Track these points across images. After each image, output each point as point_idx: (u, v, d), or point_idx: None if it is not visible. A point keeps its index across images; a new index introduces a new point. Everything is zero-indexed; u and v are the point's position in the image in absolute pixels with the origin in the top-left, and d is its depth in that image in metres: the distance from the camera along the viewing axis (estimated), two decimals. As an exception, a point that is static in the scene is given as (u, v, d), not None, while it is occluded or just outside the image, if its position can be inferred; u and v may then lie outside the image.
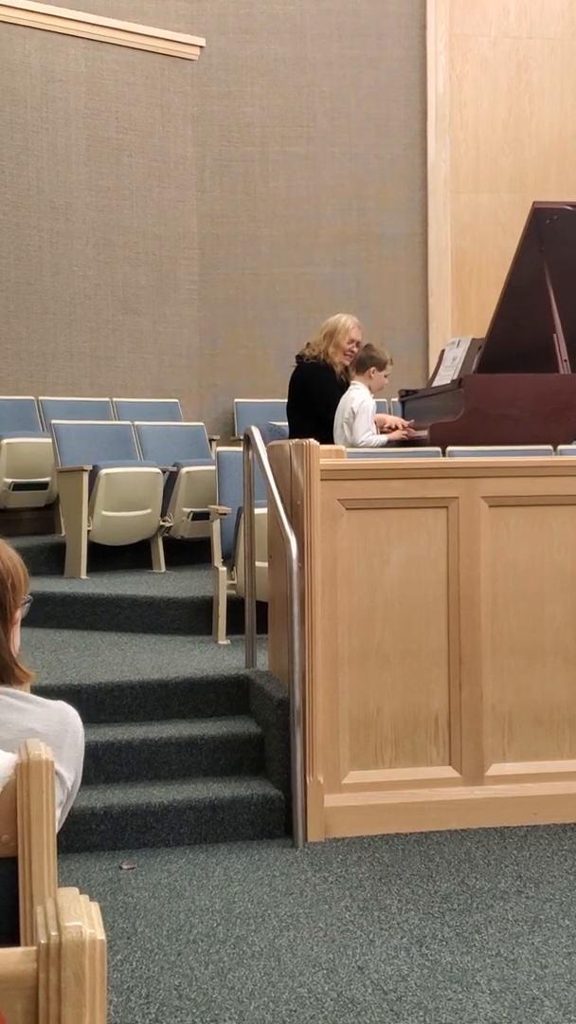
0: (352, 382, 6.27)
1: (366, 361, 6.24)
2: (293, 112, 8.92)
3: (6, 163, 8.06)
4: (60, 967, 1.09)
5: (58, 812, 1.91)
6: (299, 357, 6.67)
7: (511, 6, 9.12)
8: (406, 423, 6.46)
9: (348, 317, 6.58)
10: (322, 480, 4.14)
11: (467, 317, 8.85)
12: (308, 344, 6.66)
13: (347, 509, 4.19)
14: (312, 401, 6.42)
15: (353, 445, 5.96)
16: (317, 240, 9.00)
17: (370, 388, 6.20)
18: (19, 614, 2.03)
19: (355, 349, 6.47)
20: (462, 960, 3.13)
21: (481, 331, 6.64)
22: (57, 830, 1.91)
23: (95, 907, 1.18)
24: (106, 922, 3.45)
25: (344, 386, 6.34)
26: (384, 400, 7.85)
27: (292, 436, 6.24)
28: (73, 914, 1.14)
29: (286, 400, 6.75)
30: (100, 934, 1.12)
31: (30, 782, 1.64)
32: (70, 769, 1.94)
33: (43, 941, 1.10)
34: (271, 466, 4.54)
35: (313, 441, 4.22)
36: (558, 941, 3.24)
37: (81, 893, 3.46)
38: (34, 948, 1.10)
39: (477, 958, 3.14)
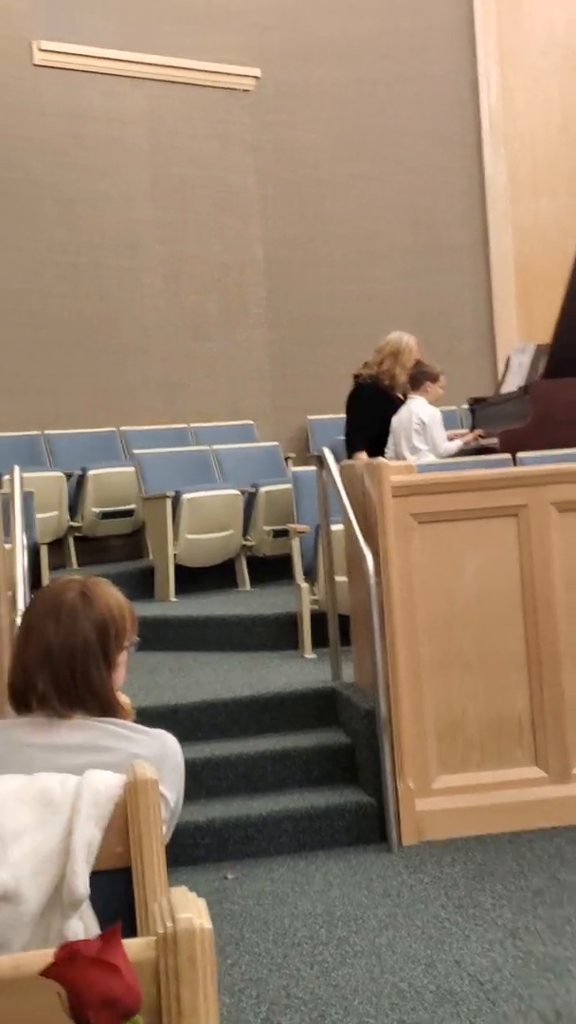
0: (410, 396, 6.42)
1: (419, 377, 6.41)
2: (348, 132, 9.11)
3: (82, 208, 8.36)
4: (176, 953, 1.28)
5: (163, 829, 2.10)
6: (357, 376, 6.80)
7: (558, 17, 9.21)
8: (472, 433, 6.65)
9: (409, 336, 6.68)
10: (394, 497, 4.29)
11: (533, 322, 8.92)
12: (365, 364, 6.76)
13: (419, 523, 4.33)
14: (372, 420, 6.53)
15: (439, 455, 6.13)
16: (380, 256, 9.16)
17: (428, 401, 6.35)
18: (123, 657, 2.20)
19: None
20: (554, 950, 3.27)
21: (548, 335, 6.72)
22: (164, 844, 2.10)
23: (202, 902, 1.38)
24: (215, 929, 3.64)
25: (402, 403, 6.50)
26: (455, 408, 7.98)
27: (350, 453, 6.39)
28: (184, 908, 1.34)
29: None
30: (207, 924, 1.32)
31: (138, 798, 1.83)
32: (171, 790, 2.13)
33: (160, 931, 1.29)
34: (344, 484, 4.71)
35: (383, 460, 4.39)
36: None
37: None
38: (154, 938, 1.29)
39: (568, 948, 3.27)
